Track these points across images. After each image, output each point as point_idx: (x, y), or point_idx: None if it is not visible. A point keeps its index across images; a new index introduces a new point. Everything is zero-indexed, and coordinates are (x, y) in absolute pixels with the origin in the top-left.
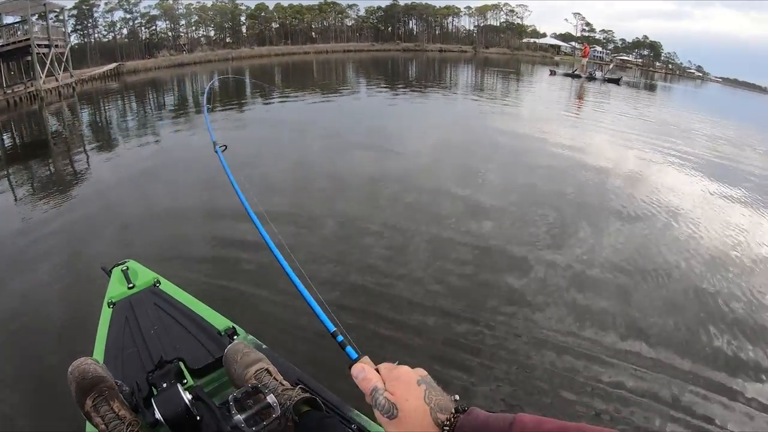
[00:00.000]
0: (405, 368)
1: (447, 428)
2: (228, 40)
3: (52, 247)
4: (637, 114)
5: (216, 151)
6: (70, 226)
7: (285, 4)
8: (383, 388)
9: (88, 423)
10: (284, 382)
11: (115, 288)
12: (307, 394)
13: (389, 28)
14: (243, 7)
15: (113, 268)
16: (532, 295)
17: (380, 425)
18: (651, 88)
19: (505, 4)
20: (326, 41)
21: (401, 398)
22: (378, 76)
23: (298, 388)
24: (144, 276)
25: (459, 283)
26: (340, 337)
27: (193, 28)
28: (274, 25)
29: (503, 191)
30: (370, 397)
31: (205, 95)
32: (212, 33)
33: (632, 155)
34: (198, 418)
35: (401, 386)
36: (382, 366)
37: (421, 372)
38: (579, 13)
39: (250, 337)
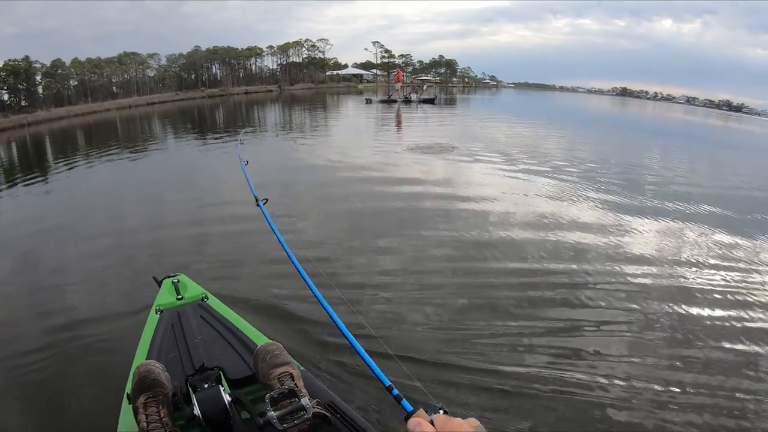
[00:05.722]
0: (458, 421)
1: None
2: (23, 103)
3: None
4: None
5: (259, 205)
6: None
7: (82, 58)
8: None
9: (123, 414)
10: (304, 390)
11: (165, 297)
12: (322, 410)
13: (192, 75)
14: (38, 65)
15: (164, 279)
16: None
17: None
18: (452, 102)
19: (306, 40)
20: (129, 95)
21: None
22: (186, 126)
23: (315, 401)
24: (193, 290)
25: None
26: (396, 391)
27: None
28: (73, 83)
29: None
30: None
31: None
32: (6, 97)
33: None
34: (232, 422)
35: None
36: (437, 418)
37: (473, 422)
38: (378, 42)
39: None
